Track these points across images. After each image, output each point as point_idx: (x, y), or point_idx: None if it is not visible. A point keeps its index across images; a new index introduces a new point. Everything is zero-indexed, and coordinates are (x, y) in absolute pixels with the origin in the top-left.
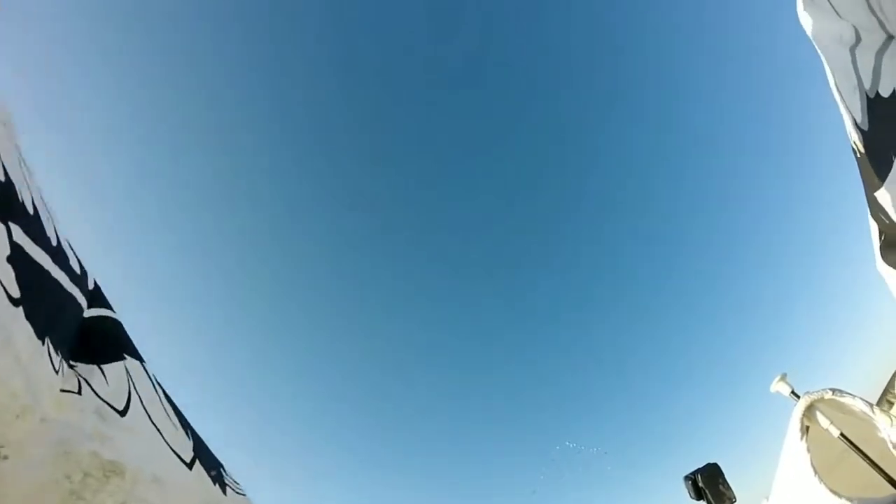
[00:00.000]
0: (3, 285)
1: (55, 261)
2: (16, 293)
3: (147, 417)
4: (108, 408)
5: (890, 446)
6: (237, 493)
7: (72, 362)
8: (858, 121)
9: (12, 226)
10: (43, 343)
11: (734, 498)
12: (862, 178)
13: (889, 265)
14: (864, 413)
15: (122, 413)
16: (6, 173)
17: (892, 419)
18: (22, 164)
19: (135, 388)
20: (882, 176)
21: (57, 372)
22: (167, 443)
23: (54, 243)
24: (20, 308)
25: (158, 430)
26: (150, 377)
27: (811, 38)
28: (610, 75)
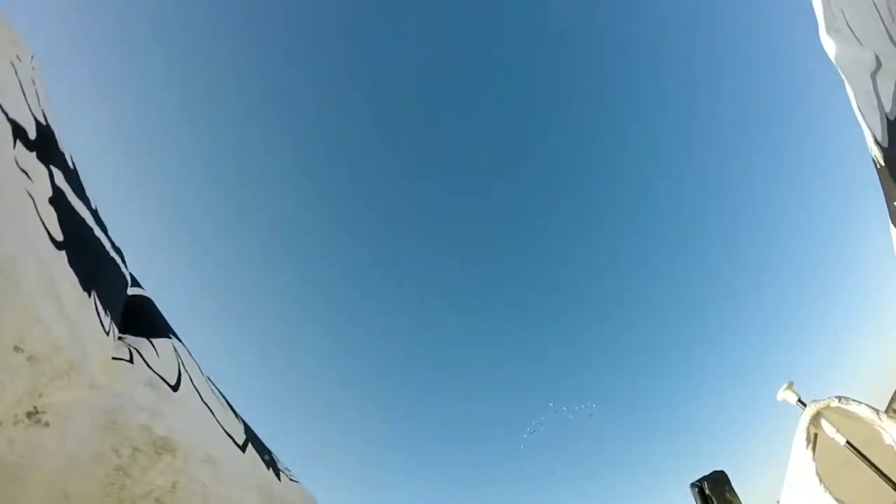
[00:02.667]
0: (45, 225)
1: (95, 221)
2: (59, 236)
3: (198, 395)
4: (161, 381)
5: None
6: (291, 479)
7: (120, 334)
8: (879, 138)
9: (54, 170)
10: (89, 296)
11: None
12: (882, 187)
13: None
14: (871, 419)
15: (175, 388)
16: (45, 117)
17: None
18: (54, 117)
19: (184, 365)
20: None
21: (107, 333)
22: (219, 423)
23: (93, 206)
24: (63, 252)
25: (210, 409)
26: (194, 360)
27: (833, 61)
28: (632, 78)
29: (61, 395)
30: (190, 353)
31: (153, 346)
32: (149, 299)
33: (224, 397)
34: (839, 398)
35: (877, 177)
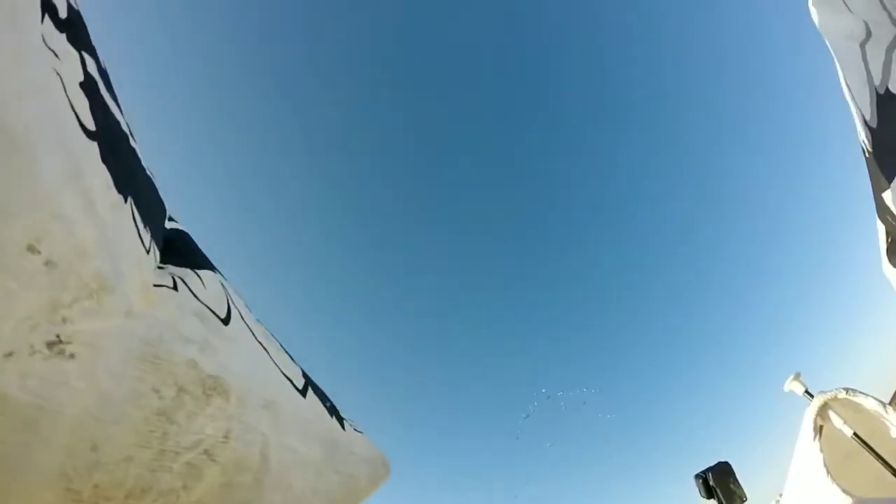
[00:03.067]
0: (73, 108)
1: (130, 132)
2: (90, 125)
3: (250, 332)
4: (210, 313)
5: None
6: (356, 430)
7: (161, 264)
8: (867, 117)
9: (86, 57)
10: (125, 200)
11: (745, 497)
12: (870, 178)
13: (893, 266)
14: (878, 412)
15: (225, 322)
16: (70, 2)
17: None
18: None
19: (233, 301)
20: (890, 176)
21: (147, 251)
22: (276, 364)
23: (126, 117)
24: (95, 143)
25: (265, 348)
26: (242, 298)
27: (820, 32)
28: (627, 66)
29: (90, 322)
30: (237, 292)
31: (199, 276)
32: (187, 234)
33: (276, 339)
34: (846, 390)
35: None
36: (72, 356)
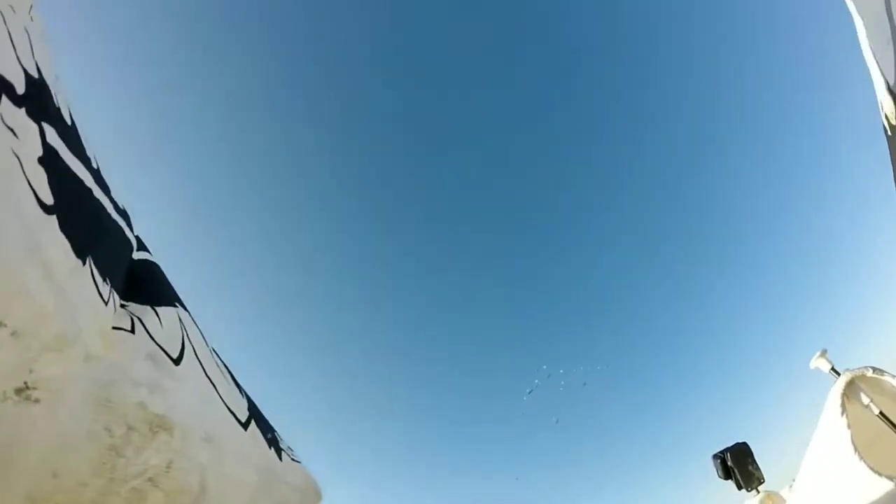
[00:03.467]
0: (32, 188)
1: (96, 181)
2: (48, 199)
3: (201, 369)
4: (163, 354)
5: None
6: (293, 459)
7: (123, 302)
8: (892, 82)
9: (46, 126)
10: (83, 263)
11: (763, 478)
12: (891, 156)
13: None
14: None
15: (177, 362)
16: (38, 70)
17: None
18: (54, 73)
19: (188, 336)
20: None
21: (106, 302)
22: (222, 399)
23: (94, 165)
24: (53, 216)
25: (213, 384)
26: (199, 329)
27: None
28: (630, 59)
29: (53, 369)
30: (195, 323)
31: (157, 314)
32: (154, 264)
33: (228, 370)
34: (874, 369)
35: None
36: (37, 401)
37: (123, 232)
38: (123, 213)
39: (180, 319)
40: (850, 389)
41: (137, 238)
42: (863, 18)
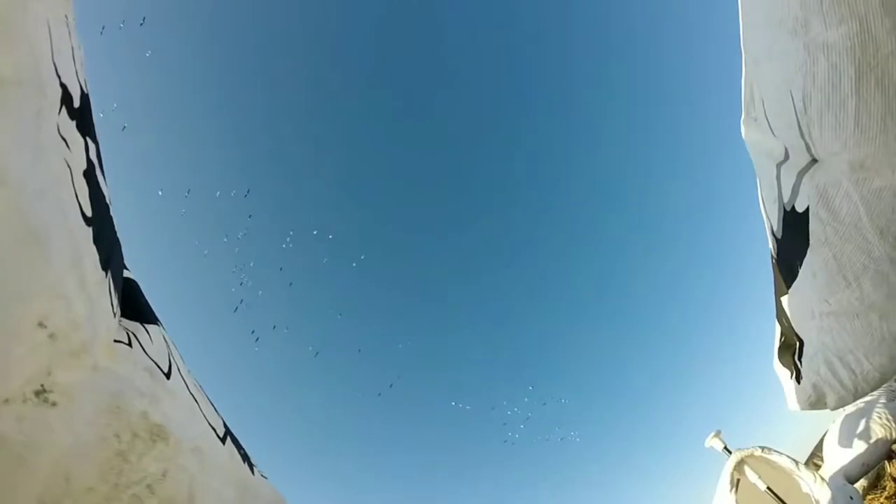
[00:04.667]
0: (78, 199)
1: (109, 197)
2: (88, 211)
3: (185, 386)
4: (157, 367)
5: (812, 501)
6: (262, 475)
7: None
8: (775, 229)
9: (89, 142)
10: (105, 275)
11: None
12: (774, 283)
13: (784, 366)
14: (790, 469)
15: (168, 376)
16: (83, 87)
17: (815, 476)
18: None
19: (172, 354)
20: (788, 282)
21: (115, 315)
22: (203, 414)
23: (108, 184)
24: (91, 229)
25: (195, 399)
26: (177, 348)
27: (748, 148)
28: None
29: (68, 375)
30: (175, 345)
31: (147, 331)
32: (136, 284)
33: (203, 390)
34: (762, 448)
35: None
36: (54, 404)
37: (122, 253)
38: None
39: (164, 338)
40: (740, 467)
41: None
42: (759, 176)
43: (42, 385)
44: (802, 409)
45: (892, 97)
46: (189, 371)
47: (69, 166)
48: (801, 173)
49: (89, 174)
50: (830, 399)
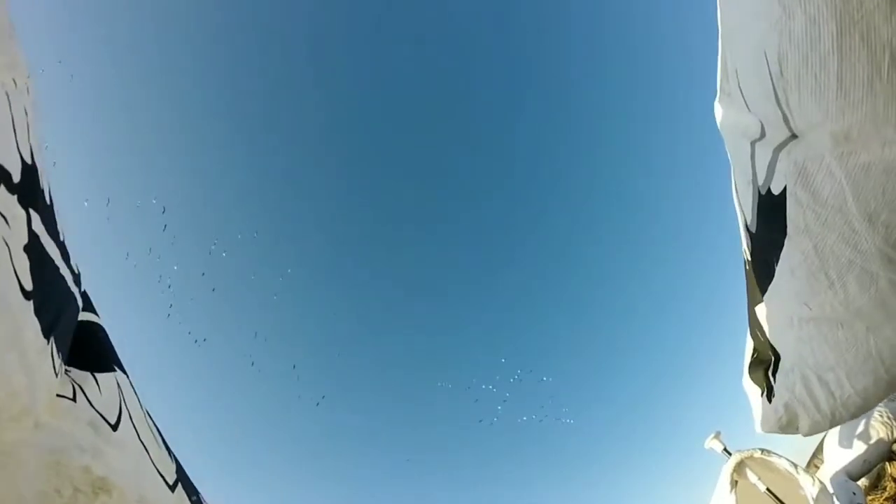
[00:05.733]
0: (17, 276)
1: (63, 256)
2: (28, 285)
3: (136, 434)
4: (102, 420)
5: (811, 503)
6: None
7: (66, 367)
8: (749, 221)
9: (33, 214)
10: (48, 342)
11: None
12: (747, 292)
13: (754, 383)
14: (789, 472)
15: (114, 427)
16: (32, 156)
17: (814, 479)
18: (41, 147)
19: (125, 402)
20: (763, 288)
21: (56, 375)
22: (153, 462)
23: (62, 238)
24: (31, 302)
25: (146, 448)
26: (135, 392)
27: (721, 132)
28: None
29: (10, 435)
30: (132, 385)
31: (96, 382)
32: (98, 326)
33: (160, 433)
34: (762, 450)
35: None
36: None
37: (76, 299)
38: (77, 277)
39: (118, 385)
40: (740, 469)
41: (84, 294)
42: (732, 159)
43: None
44: (770, 431)
45: (880, 55)
46: (146, 415)
47: (7, 245)
48: (778, 149)
49: (31, 246)
50: (803, 423)
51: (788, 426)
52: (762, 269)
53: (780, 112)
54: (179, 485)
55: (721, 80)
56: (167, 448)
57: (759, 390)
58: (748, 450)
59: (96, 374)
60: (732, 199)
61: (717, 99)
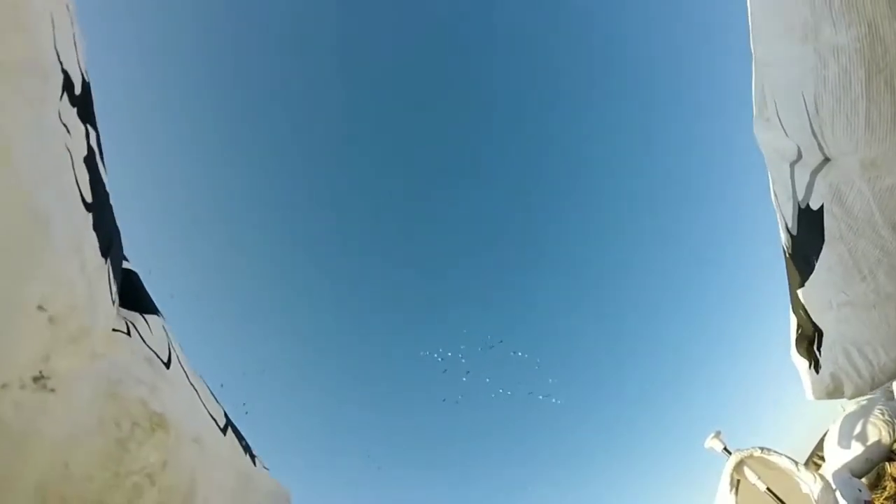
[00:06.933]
0: (79, 185)
1: (110, 189)
2: (89, 197)
3: (185, 375)
4: (156, 356)
5: (812, 500)
6: (264, 467)
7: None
8: (790, 226)
9: (90, 129)
10: (105, 262)
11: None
12: (788, 275)
13: (801, 356)
14: (790, 470)
15: (167, 365)
16: (85, 75)
17: (816, 476)
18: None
19: (172, 344)
20: (805, 276)
21: (113, 302)
22: (204, 404)
23: (107, 171)
24: (91, 215)
25: (196, 389)
26: (175, 338)
27: (760, 148)
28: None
29: (67, 362)
30: (174, 336)
31: (146, 321)
32: (136, 274)
33: (204, 381)
34: (762, 449)
35: (784, 266)
36: (52, 390)
37: (122, 243)
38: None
39: (164, 328)
40: (740, 468)
41: None
42: (773, 175)
43: (40, 371)
44: (820, 398)
45: None
46: (189, 362)
47: (70, 152)
48: (815, 172)
49: (90, 161)
50: (847, 388)
51: (835, 392)
52: (802, 263)
53: (815, 141)
54: (230, 428)
55: (759, 105)
56: (212, 394)
57: (806, 363)
58: (748, 449)
59: (144, 315)
60: (771, 203)
61: (754, 119)
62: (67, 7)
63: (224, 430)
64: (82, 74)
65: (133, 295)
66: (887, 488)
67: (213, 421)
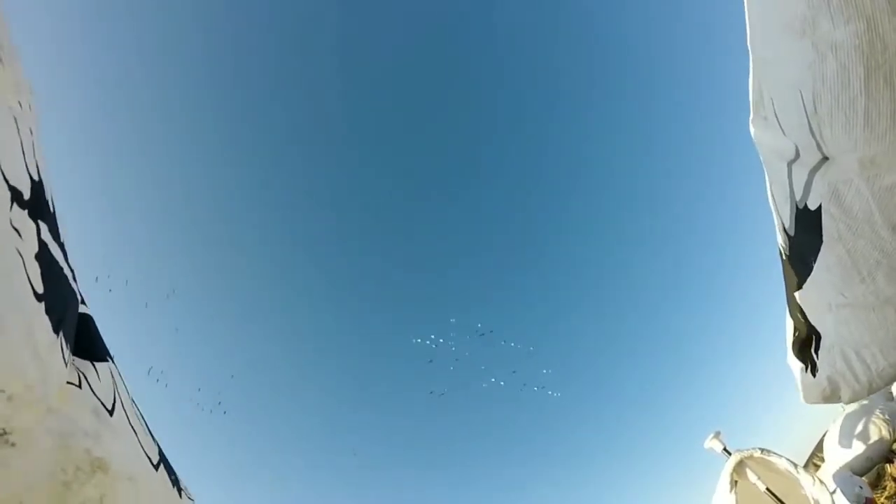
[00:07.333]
0: (31, 282)
1: (64, 258)
2: (40, 289)
3: (126, 419)
4: (101, 406)
5: (811, 502)
6: (189, 497)
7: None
8: (787, 226)
9: (41, 224)
10: (57, 336)
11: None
12: (784, 278)
13: (798, 359)
14: (789, 471)
15: (111, 413)
16: (38, 171)
17: (814, 478)
18: (44, 159)
19: (117, 389)
20: (802, 278)
21: (66, 364)
22: (140, 444)
23: (62, 240)
24: (42, 303)
25: (134, 431)
26: (123, 381)
27: (757, 147)
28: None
29: (25, 420)
30: (121, 375)
31: (96, 370)
32: (90, 318)
33: (143, 419)
34: (761, 450)
35: (781, 268)
36: (13, 445)
37: (76, 294)
38: (74, 275)
39: (111, 374)
40: (740, 468)
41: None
42: (769, 174)
43: (3, 429)
44: (815, 402)
45: None
46: (132, 402)
47: (21, 255)
48: (813, 171)
49: (41, 255)
50: (845, 393)
51: (832, 396)
52: (799, 264)
53: (813, 140)
54: (162, 465)
55: (756, 104)
56: (150, 432)
57: (802, 367)
58: (748, 449)
59: (95, 363)
60: (768, 204)
61: (751, 119)
62: (19, 105)
63: (157, 467)
64: (31, 176)
65: (87, 342)
66: (887, 488)
67: (147, 459)
